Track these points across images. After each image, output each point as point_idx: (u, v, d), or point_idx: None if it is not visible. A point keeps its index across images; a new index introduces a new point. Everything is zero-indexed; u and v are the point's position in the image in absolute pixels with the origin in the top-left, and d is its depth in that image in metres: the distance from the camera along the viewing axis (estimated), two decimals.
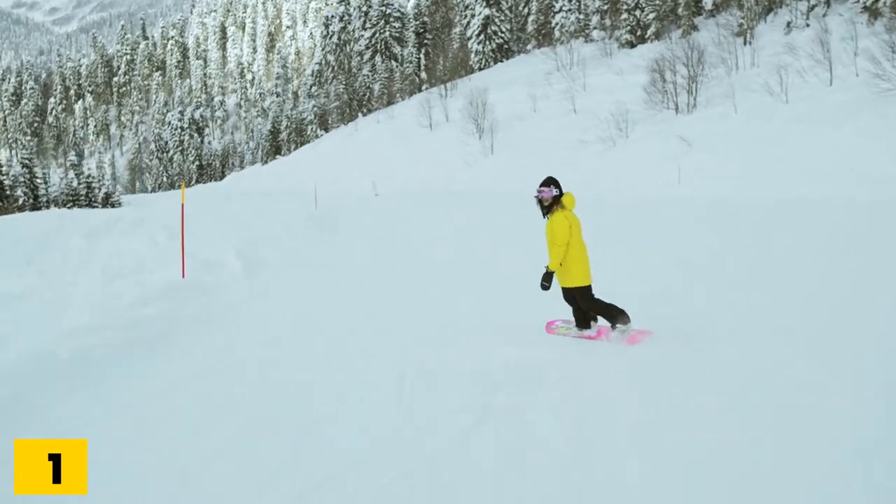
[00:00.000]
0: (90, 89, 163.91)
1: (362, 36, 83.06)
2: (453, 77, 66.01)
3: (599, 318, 6.55)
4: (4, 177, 52.43)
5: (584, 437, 4.26)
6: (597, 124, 37.99)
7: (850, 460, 3.73)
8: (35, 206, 54.16)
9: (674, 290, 8.60)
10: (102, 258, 9.59)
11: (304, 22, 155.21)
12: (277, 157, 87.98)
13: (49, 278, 8.80)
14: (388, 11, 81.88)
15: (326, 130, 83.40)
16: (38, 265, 9.69)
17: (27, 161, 56.08)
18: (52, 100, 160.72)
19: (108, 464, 4.11)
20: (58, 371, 5.86)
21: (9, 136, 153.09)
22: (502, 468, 3.89)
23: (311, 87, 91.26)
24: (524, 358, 5.93)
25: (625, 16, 53.22)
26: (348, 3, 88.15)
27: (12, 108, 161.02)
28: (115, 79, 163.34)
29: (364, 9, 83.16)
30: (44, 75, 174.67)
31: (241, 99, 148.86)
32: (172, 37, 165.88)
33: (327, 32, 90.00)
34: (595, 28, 57.64)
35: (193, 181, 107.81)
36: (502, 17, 67.80)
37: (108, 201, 58.74)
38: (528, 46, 66.12)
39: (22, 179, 54.36)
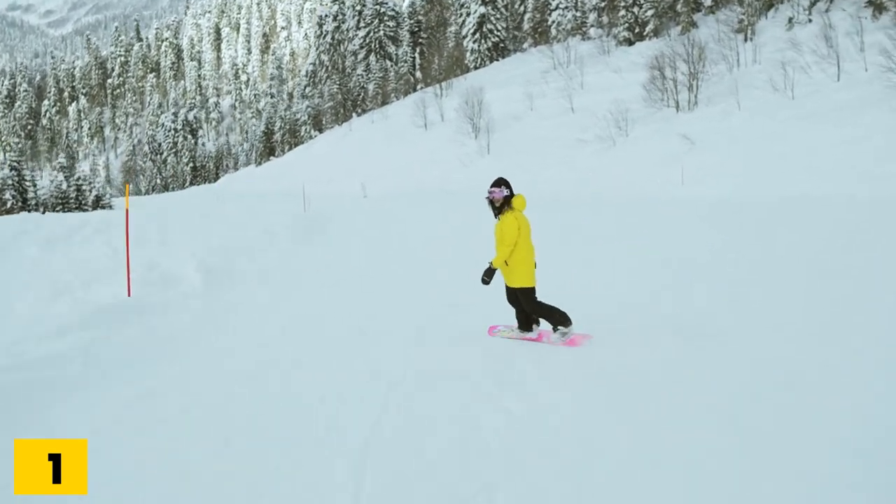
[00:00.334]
0: (84, 91, 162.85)
1: (356, 35, 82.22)
2: (448, 76, 65.24)
3: (542, 321, 6.62)
4: None
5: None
6: (595, 123, 37.26)
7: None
8: (24, 209, 53.23)
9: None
10: (53, 271, 8.62)
11: (299, 23, 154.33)
12: (271, 158, 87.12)
13: None
14: (383, 10, 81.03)
15: (320, 131, 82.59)
16: None
17: (15, 163, 55.08)
18: (45, 102, 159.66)
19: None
20: None
21: (2, 138, 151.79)
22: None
23: (305, 87, 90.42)
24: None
25: (622, 13, 52.39)
26: (342, 3, 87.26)
27: (6, 111, 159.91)
28: (110, 81, 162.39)
29: (358, 8, 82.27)
30: (38, 77, 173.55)
31: (236, 100, 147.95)
32: (166, 38, 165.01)
33: (321, 32, 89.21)
34: (592, 26, 56.85)
35: (187, 183, 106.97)
36: (498, 16, 66.97)
37: (98, 204, 57.82)
38: (525, 45, 65.33)
39: (10, 182, 53.42)
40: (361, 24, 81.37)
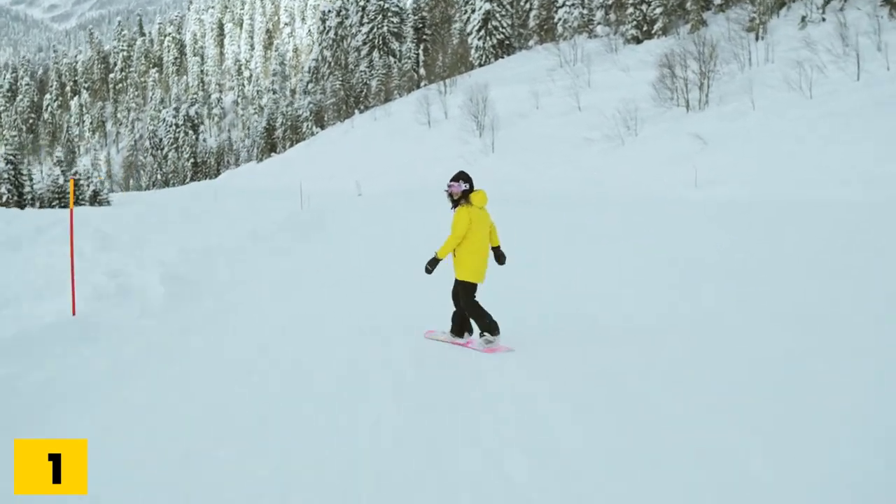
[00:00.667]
0: (86, 86, 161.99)
1: (360, 31, 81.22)
2: (453, 73, 64.30)
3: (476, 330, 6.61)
4: None
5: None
6: (603, 122, 36.38)
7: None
8: (19, 204, 52.39)
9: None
10: (4, 278, 7.66)
11: (303, 19, 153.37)
12: (272, 154, 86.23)
13: None
14: (387, 6, 80.00)
15: (322, 128, 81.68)
16: None
17: (12, 157, 54.15)
18: (47, 96, 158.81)
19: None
20: None
21: (3, 132, 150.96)
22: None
23: (307, 83, 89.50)
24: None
25: (630, 10, 51.50)
26: None
27: (7, 105, 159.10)
28: (112, 75, 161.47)
29: (362, 3, 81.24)
30: (40, 71, 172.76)
31: (239, 96, 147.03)
32: (169, 33, 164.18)
33: (324, 28, 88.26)
34: (599, 23, 55.97)
35: (188, 179, 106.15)
36: (503, 13, 66.01)
37: (96, 199, 56.94)
38: (530, 42, 64.37)
39: (6, 176, 52.52)
40: (365, 20, 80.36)
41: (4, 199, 51.87)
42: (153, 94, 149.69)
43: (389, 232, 16.87)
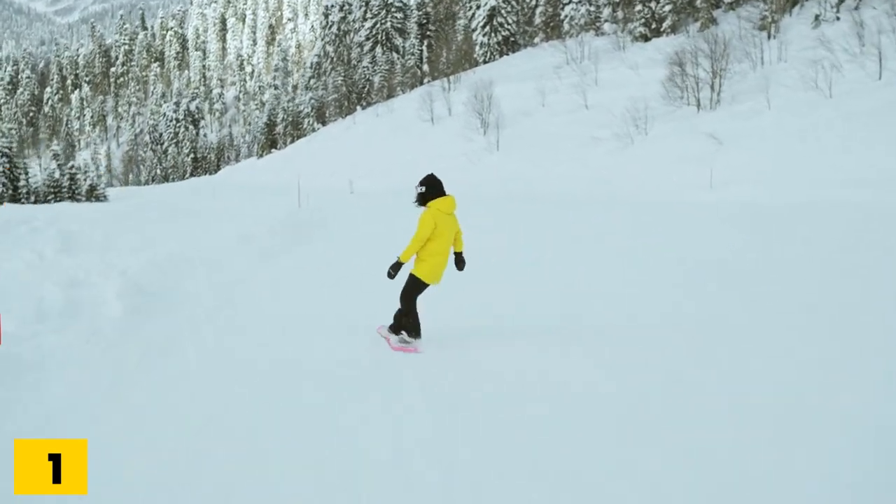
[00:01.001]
0: (87, 79, 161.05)
1: (363, 26, 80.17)
2: (457, 70, 63.32)
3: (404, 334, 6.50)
4: None
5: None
6: (611, 120, 35.47)
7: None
8: (14, 198, 51.48)
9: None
10: None
11: (306, 15, 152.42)
12: (273, 150, 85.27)
13: None
14: (390, 1, 78.97)
15: (324, 124, 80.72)
16: None
17: (7, 150, 53.15)
18: (48, 89, 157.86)
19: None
20: None
21: (3, 125, 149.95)
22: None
23: (309, 78, 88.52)
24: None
25: (639, 7, 50.55)
26: None
27: (8, 98, 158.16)
28: (113, 69, 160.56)
29: None
30: (41, 64, 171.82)
31: (240, 92, 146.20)
32: (172, 28, 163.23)
33: (327, 22, 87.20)
34: (606, 21, 54.98)
35: (188, 174, 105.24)
36: (509, 9, 64.99)
37: (92, 194, 55.97)
38: (536, 40, 63.36)
39: (1, 170, 51.56)
40: (368, 15, 79.32)
41: None
42: (154, 88, 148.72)
43: (391, 230, 15.94)
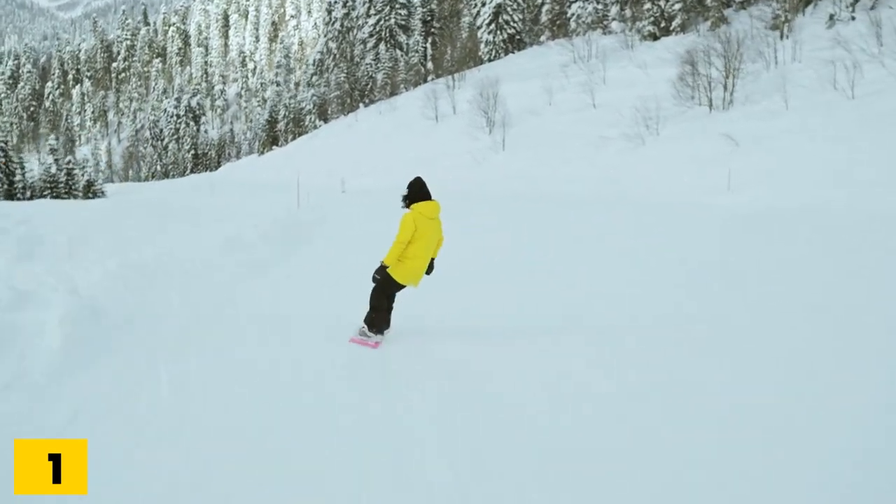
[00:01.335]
0: (89, 75, 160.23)
1: (366, 23, 79.16)
2: (461, 68, 62.40)
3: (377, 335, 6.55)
4: None
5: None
6: (619, 120, 34.59)
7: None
8: (10, 194, 50.58)
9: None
10: None
11: (309, 12, 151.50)
12: (274, 147, 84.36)
13: None
14: None
15: (325, 121, 79.78)
16: None
17: (3, 144, 52.19)
18: (49, 84, 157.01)
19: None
20: None
21: (4, 119, 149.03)
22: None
23: (311, 75, 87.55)
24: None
25: (648, 6, 49.70)
26: None
27: (8, 92, 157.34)
28: (115, 64, 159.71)
29: None
30: (43, 59, 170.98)
31: (242, 88, 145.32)
32: (174, 23, 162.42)
33: (330, 18, 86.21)
34: (614, 19, 54.12)
35: (188, 170, 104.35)
36: (515, 7, 64.07)
37: (90, 190, 55.01)
38: (542, 38, 62.50)
39: None
40: (372, 12, 78.27)
41: None
42: (156, 84, 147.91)
43: (393, 229, 15.13)
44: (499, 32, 64.19)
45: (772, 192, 19.98)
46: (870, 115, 22.88)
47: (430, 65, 71.45)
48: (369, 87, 75.52)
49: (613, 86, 41.72)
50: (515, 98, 43.90)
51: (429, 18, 77.28)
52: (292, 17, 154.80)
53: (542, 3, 62.62)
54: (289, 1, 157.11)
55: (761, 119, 27.47)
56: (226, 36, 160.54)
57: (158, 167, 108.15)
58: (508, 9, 63.79)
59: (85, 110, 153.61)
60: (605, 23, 55.02)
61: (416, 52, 74.03)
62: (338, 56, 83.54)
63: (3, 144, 51.94)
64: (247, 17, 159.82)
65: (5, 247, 7.93)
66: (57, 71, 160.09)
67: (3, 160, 50.48)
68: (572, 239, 13.32)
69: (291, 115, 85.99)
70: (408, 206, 6.55)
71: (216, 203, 24.00)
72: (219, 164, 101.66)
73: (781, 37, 38.34)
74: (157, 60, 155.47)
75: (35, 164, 65.17)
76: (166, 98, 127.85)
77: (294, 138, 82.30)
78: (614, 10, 54.49)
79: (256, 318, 7.18)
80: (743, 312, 7.05)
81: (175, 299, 7.46)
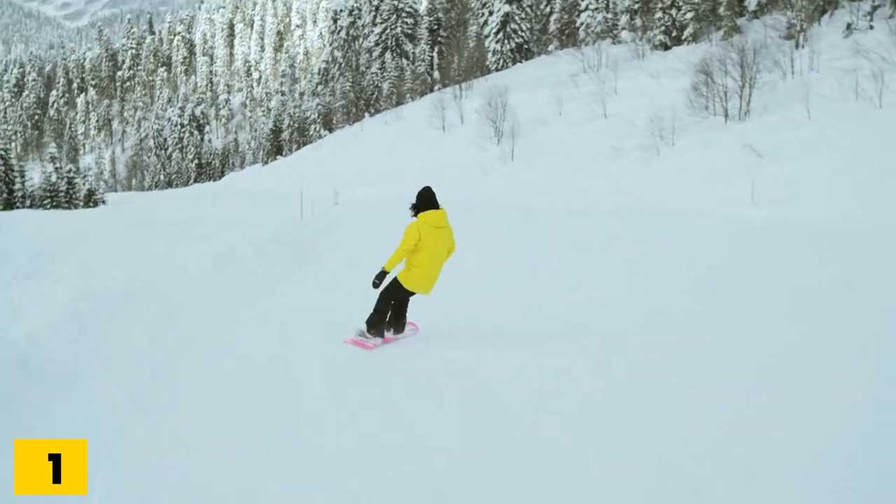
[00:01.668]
0: (93, 83, 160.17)
1: (372, 32, 78.57)
2: (468, 77, 61.62)
3: (377, 337, 6.58)
4: None
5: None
6: (631, 130, 33.74)
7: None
8: (9, 203, 49.80)
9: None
10: None
11: (314, 21, 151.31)
12: (278, 157, 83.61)
13: None
14: (401, 6, 77.34)
15: (330, 130, 79.07)
16: None
17: (3, 153, 51.44)
18: (54, 92, 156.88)
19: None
20: None
21: (8, 127, 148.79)
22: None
23: (316, 84, 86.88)
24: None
25: (659, 15, 48.93)
26: None
27: (13, 100, 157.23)
28: (120, 73, 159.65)
29: (375, 3, 78.58)
30: (48, 67, 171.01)
31: (247, 98, 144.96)
32: (179, 32, 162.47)
33: (335, 27, 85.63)
34: (624, 28, 53.41)
35: (192, 180, 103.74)
36: (523, 15, 63.32)
37: (90, 199, 54.24)
38: (550, 47, 61.74)
39: None
40: (378, 21, 77.71)
41: None
42: (161, 93, 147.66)
43: (397, 237, 14.40)
44: (507, 42, 63.46)
45: (795, 205, 19.04)
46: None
47: (436, 74, 70.79)
48: (375, 96, 74.84)
49: (625, 95, 40.87)
50: (524, 108, 43.05)
51: (435, 27, 76.69)
52: (298, 26, 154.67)
53: (551, 13, 61.94)
54: (294, 10, 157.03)
55: (782, 129, 26.54)
56: (231, 45, 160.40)
57: (162, 176, 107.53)
58: (516, 18, 63.09)
59: (89, 119, 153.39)
60: (614, 32, 54.31)
61: (423, 61, 73.37)
62: (343, 65, 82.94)
63: (2, 153, 51.19)
64: (252, 27, 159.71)
65: None
66: (62, 80, 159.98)
67: (3, 169, 49.71)
68: (577, 243, 13.44)
69: (296, 125, 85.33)
70: (415, 215, 6.60)
71: (210, 214, 23.09)
72: (222, 174, 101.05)
73: (797, 46, 37.50)
74: (162, 69, 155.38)
75: (37, 173, 64.40)
76: (171, 107, 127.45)
77: (298, 148, 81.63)
78: (624, 19, 53.80)
79: (245, 366, 5.83)
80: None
81: (142, 341, 5.92)
